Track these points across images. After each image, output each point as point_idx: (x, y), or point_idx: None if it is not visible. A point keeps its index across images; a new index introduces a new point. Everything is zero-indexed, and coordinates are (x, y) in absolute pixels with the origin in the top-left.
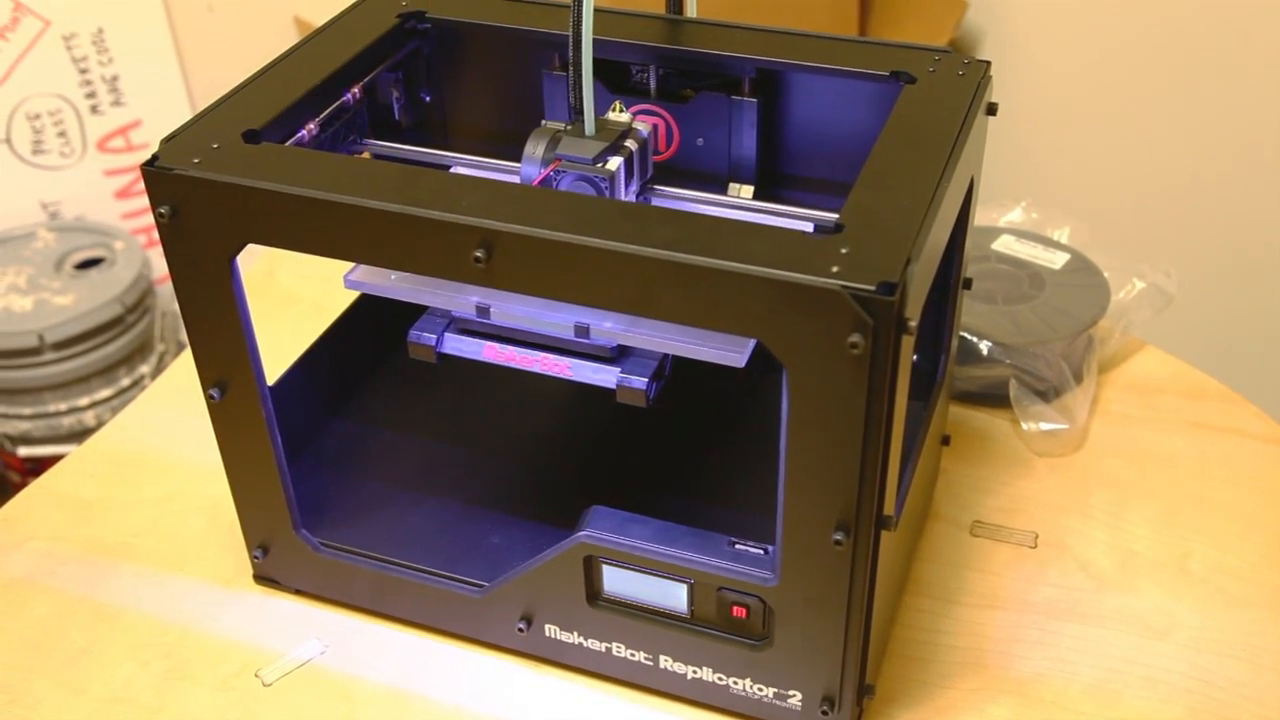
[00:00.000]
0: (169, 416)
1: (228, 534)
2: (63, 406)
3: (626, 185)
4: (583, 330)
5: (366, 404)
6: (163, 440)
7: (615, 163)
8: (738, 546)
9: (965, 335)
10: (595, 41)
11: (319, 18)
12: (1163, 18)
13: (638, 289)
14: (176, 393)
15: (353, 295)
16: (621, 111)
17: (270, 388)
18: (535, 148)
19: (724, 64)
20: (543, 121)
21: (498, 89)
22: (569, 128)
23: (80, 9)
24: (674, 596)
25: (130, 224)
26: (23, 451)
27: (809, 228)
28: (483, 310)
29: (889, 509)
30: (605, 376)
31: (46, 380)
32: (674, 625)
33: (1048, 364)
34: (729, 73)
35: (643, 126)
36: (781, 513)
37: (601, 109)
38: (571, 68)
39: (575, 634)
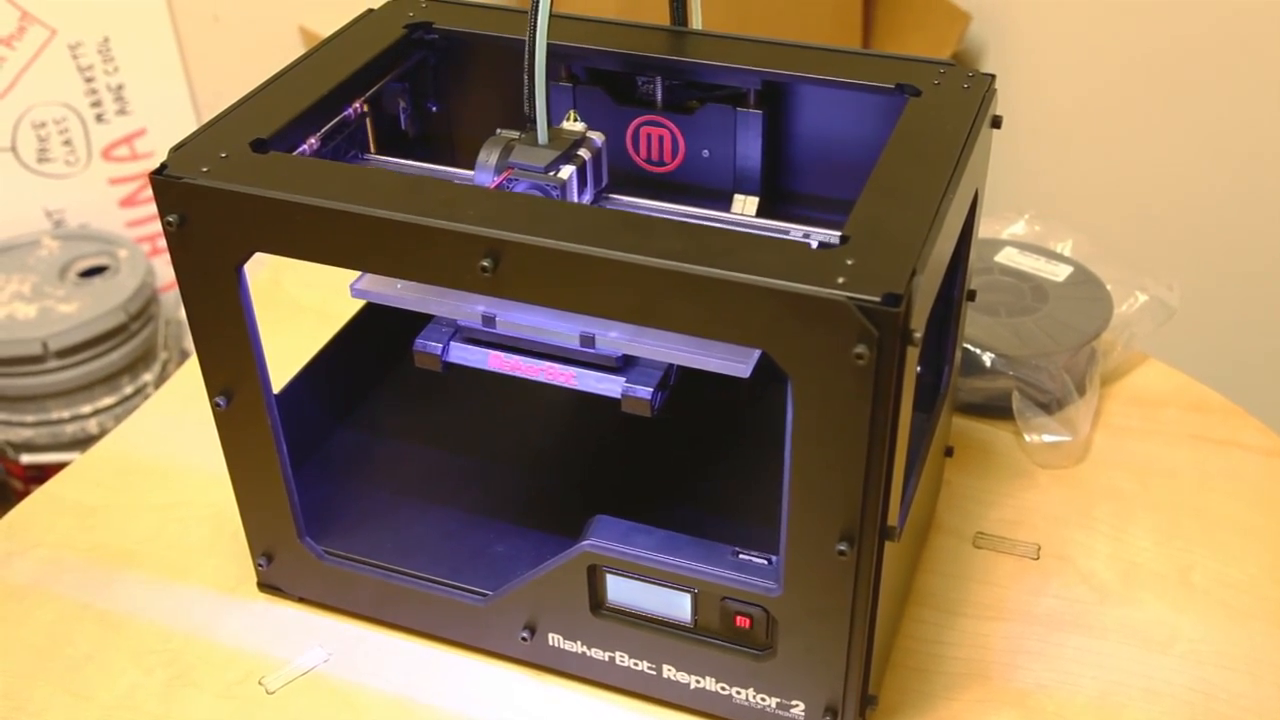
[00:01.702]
0: (173, 424)
1: (232, 542)
2: (66, 414)
3: (579, 193)
4: (588, 340)
5: (371, 412)
6: (167, 448)
7: (567, 171)
8: (741, 556)
9: (968, 347)
10: (602, 53)
11: (324, 28)
12: (1165, 31)
13: (643, 299)
14: (180, 400)
15: (358, 304)
16: (576, 121)
17: (276, 396)
18: (489, 155)
19: (729, 76)
20: (497, 130)
21: (504, 100)
22: (523, 136)
23: (86, 18)
24: (678, 606)
25: (134, 232)
26: (25, 459)
27: (812, 241)
28: (488, 319)
29: (893, 520)
30: (610, 386)
31: (50, 388)
32: (677, 635)
33: (1050, 376)
34: (734, 84)
35: (597, 136)
36: (785, 523)
37: (566, 117)
38: (526, 75)
39: (579, 643)
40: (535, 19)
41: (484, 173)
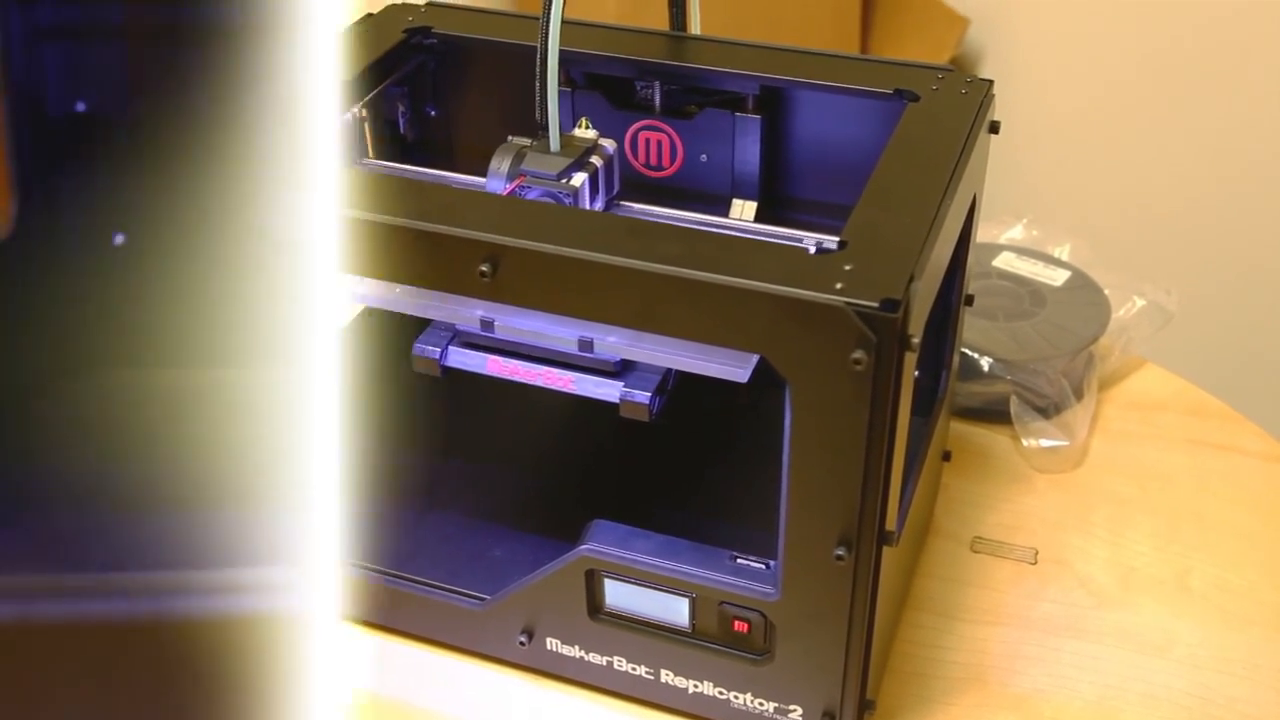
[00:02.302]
0: None
1: None
2: None
3: (591, 201)
4: (586, 345)
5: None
6: None
7: (580, 178)
8: (739, 561)
9: (966, 351)
10: (601, 58)
11: None
12: (1164, 36)
13: (642, 304)
14: None
15: (357, 307)
16: (588, 128)
17: None
18: (500, 163)
19: (728, 81)
20: (509, 137)
21: (503, 105)
22: (534, 143)
23: None
24: (675, 610)
25: None
26: None
27: (810, 246)
28: (487, 324)
29: (891, 524)
30: (608, 391)
31: None
32: (675, 639)
33: (1048, 381)
34: (733, 89)
35: (608, 143)
36: (783, 528)
37: (567, 125)
38: (538, 83)
39: (576, 647)
40: (547, 26)
41: (496, 180)
